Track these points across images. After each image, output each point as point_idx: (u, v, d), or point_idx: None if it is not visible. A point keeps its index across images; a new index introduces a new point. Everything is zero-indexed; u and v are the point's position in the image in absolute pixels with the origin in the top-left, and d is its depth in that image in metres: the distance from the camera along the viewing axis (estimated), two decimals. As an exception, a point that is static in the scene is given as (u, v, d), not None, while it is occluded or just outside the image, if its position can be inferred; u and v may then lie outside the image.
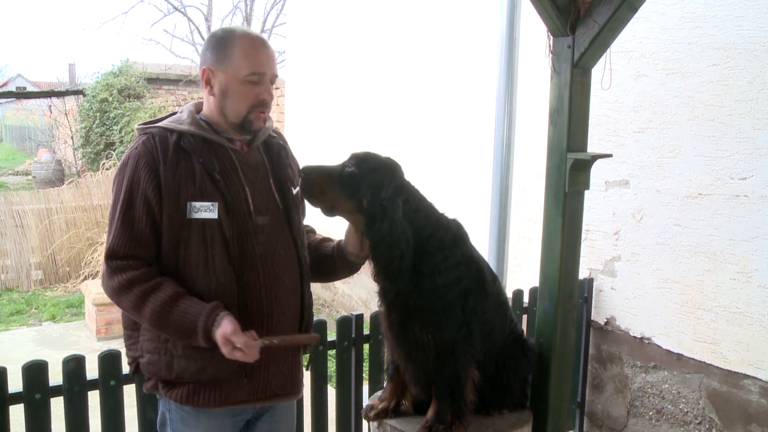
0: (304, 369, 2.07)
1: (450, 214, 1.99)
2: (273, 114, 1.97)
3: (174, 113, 1.89)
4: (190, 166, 1.76)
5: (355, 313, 2.95)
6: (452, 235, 1.91)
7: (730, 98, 3.01)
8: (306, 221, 2.10)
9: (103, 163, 9.73)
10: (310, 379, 2.86)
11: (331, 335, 2.88)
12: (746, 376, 3.00)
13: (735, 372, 3.04)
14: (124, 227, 1.74)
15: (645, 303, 3.43)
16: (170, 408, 1.87)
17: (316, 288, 6.23)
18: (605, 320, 3.65)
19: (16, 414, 2.20)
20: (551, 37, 2.07)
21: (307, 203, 1.96)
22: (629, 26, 2.06)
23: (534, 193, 4.02)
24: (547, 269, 2.14)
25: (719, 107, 3.05)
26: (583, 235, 3.23)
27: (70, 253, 7.75)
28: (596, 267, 3.69)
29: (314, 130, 6.76)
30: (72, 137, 15.11)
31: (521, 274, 4.08)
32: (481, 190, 4.15)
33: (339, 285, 6.24)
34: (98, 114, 12.77)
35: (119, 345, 2.08)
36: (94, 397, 2.34)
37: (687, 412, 3.27)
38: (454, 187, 4.71)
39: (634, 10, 1.95)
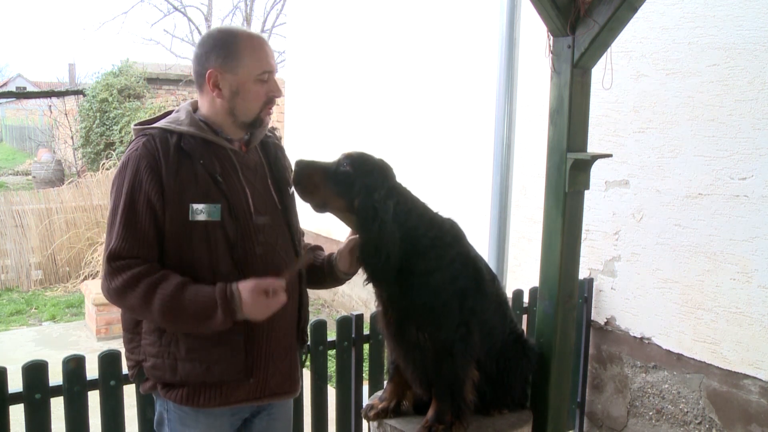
0: (300, 367, 2.08)
1: (445, 214, 1.99)
2: (273, 114, 1.97)
3: (169, 112, 1.88)
4: (192, 168, 1.76)
5: (355, 313, 2.95)
6: (447, 234, 1.92)
7: (730, 98, 3.01)
8: (303, 218, 2.10)
9: (103, 163, 9.72)
10: (310, 379, 2.86)
11: (331, 335, 2.88)
12: (746, 376, 3.00)
13: (735, 372, 3.04)
14: (126, 229, 1.72)
15: (645, 303, 3.43)
16: (168, 408, 1.86)
17: (316, 288, 6.21)
18: (605, 320, 3.65)
19: (16, 414, 2.20)
20: (551, 37, 2.07)
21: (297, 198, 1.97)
22: (629, 26, 2.06)
23: (534, 193, 4.02)
24: (547, 269, 2.14)
25: (719, 107, 3.05)
26: (583, 235, 3.23)
27: (70, 253, 7.75)
28: (596, 267, 3.69)
29: (314, 130, 6.76)
30: (72, 137, 15.10)
31: (521, 274, 4.08)
32: (481, 190, 4.15)
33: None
34: (98, 114, 12.76)
35: (119, 345, 2.08)
36: (94, 397, 2.34)
37: (687, 412, 3.27)
38: (454, 187, 4.72)
39: (634, 10, 1.95)
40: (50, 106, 18.08)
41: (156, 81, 13.85)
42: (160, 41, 28.30)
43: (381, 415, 2.07)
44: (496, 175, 3.50)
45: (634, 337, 3.50)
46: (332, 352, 2.90)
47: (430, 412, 1.92)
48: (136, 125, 1.85)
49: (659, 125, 3.32)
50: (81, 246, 7.75)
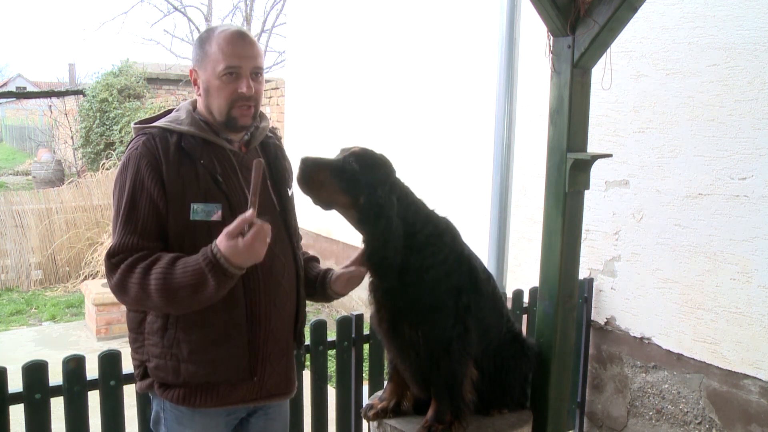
0: (297, 368, 2.07)
1: (445, 214, 2.00)
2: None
3: (170, 111, 1.88)
4: (193, 167, 1.75)
5: (355, 313, 2.96)
6: (442, 231, 1.92)
7: (730, 98, 3.01)
8: (303, 218, 2.10)
9: (103, 163, 9.72)
10: (310, 379, 2.86)
11: (331, 335, 2.88)
12: (746, 376, 3.00)
13: (735, 372, 3.04)
14: (127, 228, 1.71)
15: (645, 303, 3.43)
16: (165, 407, 1.86)
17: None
18: (605, 320, 3.65)
19: (16, 414, 2.20)
20: (551, 37, 2.07)
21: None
22: (629, 26, 2.06)
23: (534, 193, 4.02)
24: (547, 269, 2.14)
25: (719, 107, 3.05)
26: (583, 235, 3.23)
27: (70, 253, 7.75)
28: (596, 267, 3.69)
29: (314, 130, 6.76)
30: (72, 137, 15.10)
31: (521, 274, 4.08)
32: (481, 190, 4.15)
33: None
34: (98, 114, 12.76)
35: (119, 345, 2.08)
36: (94, 397, 2.34)
37: (687, 412, 3.26)
38: (454, 187, 4.72)
39: (634, 10, 1.95)
40: (50, 106, 18.08)
41: (156, 81, 13.85)
42: (160, 41, 28.36)
43: (380, 415, 2.07)
44: (496, 175, 3.50)
45: (634, 337, 3.50)
46: (332, 352, 2.90)
47: (430, 412, 1.92)
48: (135, 124, 1.84)
49: (659, 125, 3.32)
50: (81, 246, 7.75)
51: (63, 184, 11.11)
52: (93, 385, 2.34)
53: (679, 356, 3.27)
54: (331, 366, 3.18)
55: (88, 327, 5.84)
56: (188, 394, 1.80)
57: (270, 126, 2.02)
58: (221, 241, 1.60)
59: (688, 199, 3.20)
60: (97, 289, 5.64)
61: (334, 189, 1.84)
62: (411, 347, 1.90)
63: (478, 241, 2.15)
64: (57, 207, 7.87)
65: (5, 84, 33.21)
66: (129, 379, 2.32)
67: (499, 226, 3.51)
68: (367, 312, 2.91)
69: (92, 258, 7.46)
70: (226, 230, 1.60)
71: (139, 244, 1.70)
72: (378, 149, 1.96)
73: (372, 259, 1.85)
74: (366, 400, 2.24)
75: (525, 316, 3.47)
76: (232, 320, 1.77)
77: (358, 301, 5.79)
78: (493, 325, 2.03)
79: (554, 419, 2.16)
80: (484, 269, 2.04)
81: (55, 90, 17.20)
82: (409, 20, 5.30)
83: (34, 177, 15.84)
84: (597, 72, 2.16)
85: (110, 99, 12.71)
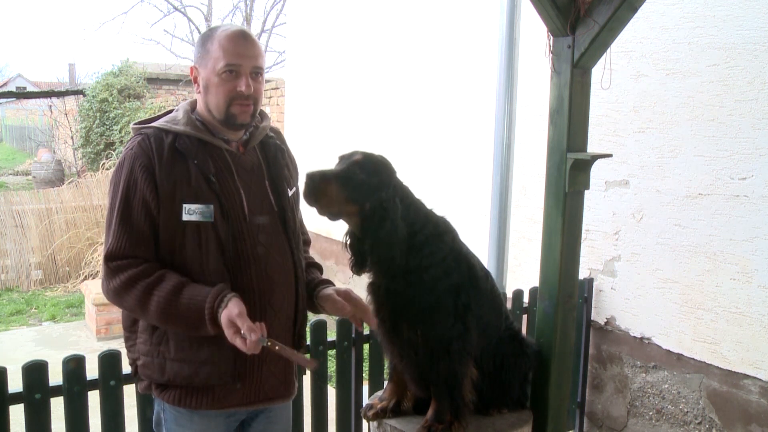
0: (297, 371, 2.06)
1: (445, 214, 1.99)
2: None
3: (169, 111, 1.88)
4: (185, 168, 1.75)
5: (355, 313, 2.95)
6: (440, 231, 1.91)
7: (730, 98, 3.01)
8: (304, 217, 2.09)
9: (103, 163, 9.73)
10: (310, 379, 2.86)
11: (331, 335, 2.88)
12: (746, 376, 3.00)
13: (735, 372, 3.04)
14: (122, 228, 1.73)
15: (645, 303, 3.43)
16: (164, 408, 1.86)
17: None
18: (605, 320, 3.65)
19: (16, 414, 2.20)
20: (551, 37, 2.07)
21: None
22: (629, 26, 2.06)
23: (534, 193, 4.02)
24: (547, 269, 2.14)
25: (719, 107, 3.05)
26: (583, 235, 3.23)
27: (70, 253, 7.75)
28: (596, 267, 3.69)
29: (314, 130, 6.76)
30: (72, 137, 15.10)
31: (521, 274, 4.08)
32: (481, 190, 4.15)
33: (339, 285, 6.22)
34: (98, 114, 12.76)
35: (119, 345, 2.08)
36: (94, 397, 2.34)
37: (687, 412, 3.27)
38: (454, 187, 4.72)
39: (634, 10, 1.95)
40: (50, 106, 18.09)
41: (156, 81, 13.85)
42: (160, 41, 28.37)
43: (380, 414, 2.06)
44: (496, 175, 3.50)
45: (634, 337, 3.50)
46: (332, 352, 2.90)
47: (430, 412, 1.92)
48: (134, 124, 1.85)
49: (659, 125, 3.32)
50: (81, 246, 7.75)
51: (63, 184, 11.10)
52: (93, 385, 2.34)
53: (679, 356, 3.27)
54: (331, 366, 3.18)
55: (88, 327, 5.84)
56: (183, 395, 1.80)
57: (272, 126, 2.02)
58: (233, 309, 1.65)
59: (688, 199, 3.20)
60: (97, 289, 5.63)
61: (343, 200, 1.82)
62: (411, 347, 1.90)
63: (478, 241, 2.15)
64: (57, 207, 7.87)
65: (5, 84, 33.23)
66: (129, 379, 2.31)
67: (499, 226, 3.51)
68: (367, 312, 2.90)
69: (92, 258, 7.46)
70: (242, 313, 1.64)
71: (136, 250, 1.73)
72: (378, 149, 1.95)
73: (379, 261, 1.84)
74: (366, 400, 2.24)
75: (525, 316, 3.47)
76: None
77: (358, 301, 5.77)
78: (492, 323, 2.03)
79: (554, 419, 2.16)
80: (482, 267, 2.04)
81: (55, 90, 17.20)
82: (409, 20, 5.30)
83: (34, 177, 15.84)
84: (597, 72, 2.16)
85: (110, 99, 12.72)
